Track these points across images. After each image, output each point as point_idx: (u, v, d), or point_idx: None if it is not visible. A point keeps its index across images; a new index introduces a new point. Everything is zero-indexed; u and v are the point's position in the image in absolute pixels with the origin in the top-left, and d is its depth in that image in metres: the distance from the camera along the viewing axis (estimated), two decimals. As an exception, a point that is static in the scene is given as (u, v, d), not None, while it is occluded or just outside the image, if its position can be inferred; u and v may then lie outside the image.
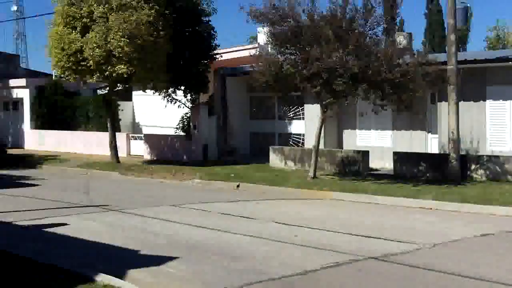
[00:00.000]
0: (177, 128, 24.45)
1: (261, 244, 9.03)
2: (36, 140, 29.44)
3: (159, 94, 22.34)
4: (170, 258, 7.95)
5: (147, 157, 24.40)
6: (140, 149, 25.07)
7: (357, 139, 20.90)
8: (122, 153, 23.52)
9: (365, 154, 18.42)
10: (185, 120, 24.00)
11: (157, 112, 26.23)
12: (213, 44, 22.17)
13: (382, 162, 19.45)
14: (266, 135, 24.14)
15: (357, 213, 12.44)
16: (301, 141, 22.63)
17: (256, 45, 19.66)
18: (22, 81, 30.87)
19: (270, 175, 17.68)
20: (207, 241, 9.17)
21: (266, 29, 16.78)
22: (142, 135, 25.59)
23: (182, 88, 22.24)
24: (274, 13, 16.05)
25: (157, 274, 7.28)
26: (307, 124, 21.37)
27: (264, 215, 11.83)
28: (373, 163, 19.07)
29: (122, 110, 27.57)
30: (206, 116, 23.39)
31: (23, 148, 29.45)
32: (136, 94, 28.21)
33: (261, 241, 9.25)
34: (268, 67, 16.07)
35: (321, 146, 18.49)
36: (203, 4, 21.98)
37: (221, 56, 22.55)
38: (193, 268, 7.58)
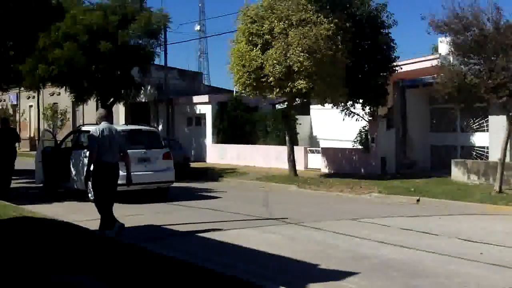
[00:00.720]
0: (354, 141, 24.38)
1: (445, 262, 8.69)
2: (217, 154, 30.77)
3: (337, 108, 22.41)
4: (350, 273, 7.91)
5: (324, 170, 24.53)
6: (317, 162, 25.28)
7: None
8: (299, 166, 23.86)
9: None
10: (362, 133, 23.86)
11: (335, 125, 26.30)
12: (393, 56, 21.82)
13: None
14: (448, 147, 23.27)
15: (551, 233, 11.57)
16: (485, 154, 21.54)
17: (437, 55, 19.07)
18: (205, 98, 32.52)
19: (452, 189, 17.02)
20: (388, 257, 9.01)
21: (448, 39, 16.24)
22: (320, 149, 25.78)
23: (360, 101, 22.12)
24: (457, 22, 15.50)
25: (337, 288, 7.29)
26: (491, 136, 20.29)
27: (446, 230, 11.40)
28: None
29: (300, 124, 28.01)
30: (385, 129, 23.09)
31: (205, 161, 30.89)
32: (314, 108, 28.53)
33: (444, 258, 8.91)
34: (451, 78, 15.53)
35: (507, 159, 17.48)
36: (382, 17, 21.74)
37: (401, 68, 22.14)
38: (375, 284, 7.48)
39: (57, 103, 43.14)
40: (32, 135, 50.60)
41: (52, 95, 43.52)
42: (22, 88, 43.03)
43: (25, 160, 32.90)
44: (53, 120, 41.76)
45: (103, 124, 10.57)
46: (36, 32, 16.43)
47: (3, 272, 6.77)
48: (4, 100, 53.04)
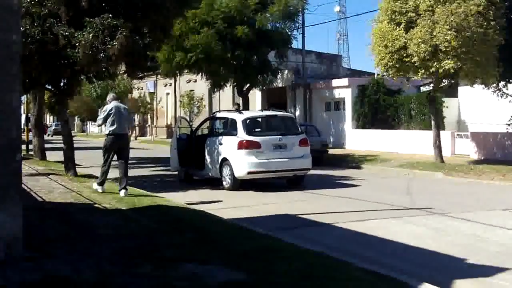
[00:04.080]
0: (508, 125, 23.18)
1: None
2: (356, 139, 30.49)
3: (488, 89, 21.44)
4: (502, 269, 7.51)
5: (474, 156, 23.58)
6: (466, 148, 24.35)
7: None
8: (446, 153, 23.08)
9: None
10: (517, 116, 22.63)
11: (486, 108, 25.21)
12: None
13: None
14: None
15: None
16: None
17: None
18: (344, 81, 32.34)
19: None
20: (545, 253, 8.47)
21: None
22: (468, 133, 24.82)
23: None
24: None
25: (487, 286, 6.94)
26: None
27: None
28: None
29: (446, 107, 27.11)
30: (543, 112, 21.75)
31: (344, 148, 30.74)
32: (462, 90, 27.48)
33: None
34: None
35: None
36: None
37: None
38: (530, 282, 7.05)
39: (193, 90, 44.59)
40: (169, 122, 52.74)
41: (189, 82, 45.06)
42: (159, 76, 44.94)
43: (161, 147, 34.38)
44: (190, 107, 43.24)
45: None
46: (172, 19, 16.96)
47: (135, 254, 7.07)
48: (142, 88, 55.58)
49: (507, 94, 21.48)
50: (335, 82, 32.92)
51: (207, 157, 17.15)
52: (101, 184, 13.45)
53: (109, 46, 14.09)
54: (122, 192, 12.93)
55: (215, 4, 26.57)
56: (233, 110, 19.58)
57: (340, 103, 33.03)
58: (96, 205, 11.56)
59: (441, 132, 23.02)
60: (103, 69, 15.62)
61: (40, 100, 25.58)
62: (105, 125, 13.50)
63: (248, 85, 29.82)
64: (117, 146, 13.37)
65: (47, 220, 9.69)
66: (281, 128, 17.12)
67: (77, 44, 14.16)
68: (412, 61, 19.56)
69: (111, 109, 13.29)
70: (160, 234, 8.79)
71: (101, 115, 13.55)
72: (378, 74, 30.89)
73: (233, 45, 26.60)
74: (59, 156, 20.93)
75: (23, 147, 25.98)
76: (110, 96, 14.07)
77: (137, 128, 55.87)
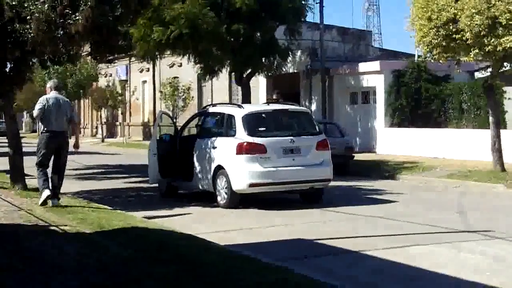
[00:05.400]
0: None
1: None
2: (391, 141, 30.43)
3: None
4: None
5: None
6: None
7: None
8: (507, 158, 22.94)
9: None
10: None
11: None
12: None
13: None
14: None
15: None
16: None
17: None
18: (375, 65, 32.29)
19: None
20: None
21: None
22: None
23: None
24: None
25: None
26: None
27: None
28: None
29: (508, 98, 27.10)
30: None
31: (375, 152, 30.78)
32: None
33: None
34: None
35: None
36: None
37: None
38: None
39: (178, 77, 44.63)
40: (145, 119, 52.85)
41: (172, 67, 45.15)
42: (133, 59, 44.95)
43: (137, 152, 34.44)
44: (173, 99, 43.20)
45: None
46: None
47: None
48: (111, 75, 55.59)
49: None
50: (363, 67, 32.90)
51: (197, 164, 17.14)
52: (46, 194, 13.85)
53: (71, 21, 14.06)
54: (51, 202, 13.78)
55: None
56: (233, 104, 19.52)
57: (369, 93, 33.02)
58: (52, 227, 11.54)
59: (502, 131, 22.93)
60: (62, 50, 15.61)
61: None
62: (40, 120, 14.24)
63: (249, 70, 29.77)
64: (54, 146, 14.05)
65: (-13, 248, 9.68)
66: (293, 126, 17.13)
67: (28, 17, 14.14)
68: (464, 38, 19.54)
69: (48, 101, 14.19)
70: (135, 266, 8.77)
71: (38, 106, 14.25)
72: (419, 56, 30.86)
73: (230, 17, 26.43)
74: (3, 164, 20.90)
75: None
76: (51, 83, 14.98)
77: (107, 127, 55.87)
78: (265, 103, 22.44)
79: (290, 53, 30.19)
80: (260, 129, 16.57)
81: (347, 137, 26.65)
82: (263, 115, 17.43)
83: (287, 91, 35.03)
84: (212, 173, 16.42)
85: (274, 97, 24.01)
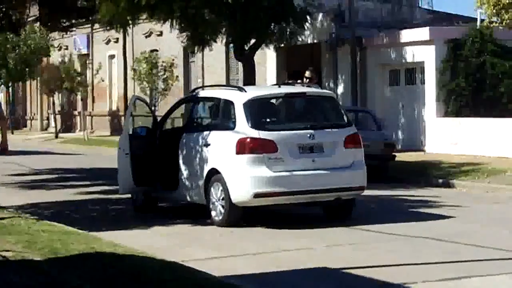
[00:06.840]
0: None
1: None
2: (445, 136, 30.35)
3: None
4: None
5: None
6: None
7: None
8: None
9: None
10: None
11: None
12: None
13: None
14: None
15: None
16: None
17: None
18: (423, 33, 32.23)
19: None
20: None
21: None
22: None
23: None
24: None
25: None
26: None
27: None
28: None
29: None
30: None
31: (423, 150, 30.76)
32: None
33: None
34: None
35: None
36: None
37: None
38: None
39: (157, 51, 44.66)
40: (114, 107, 52.87)
41: (149, 36, 45.20)
42: (97, 26, 44.95)
43: (102, 151, 34.53)
44: (151, 80, 43.19)
45: None
46: None
47: None
48: (67, 48, 55.47)
49: None
50: (407, 35, 32.84)
51: (183, 168, 17.17)
52: None
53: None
54: None
55: None
56: (231, 87, 19.50)
57: (415, 71, 33.00)
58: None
59: None
60: (2, 15, 15.71)
61: None
62: None
63: (253, 41, 29.75)
64: None
65: None
66: (312, 116, 17.12)
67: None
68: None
69: None
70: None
71: None
72: (482, 21, 30.80)
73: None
74: None
75: None
76: None
77: (62, 118, 55.92)
78: (276, 84, 22.41)
79: (308, 16, 30.18)
80: (268, 120, 16.57)
81: (385, 131, 26.68)
82: (273, 101, 17.41)
83: (305, 69, 35.07)
84: (204, 180, 16.40)
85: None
